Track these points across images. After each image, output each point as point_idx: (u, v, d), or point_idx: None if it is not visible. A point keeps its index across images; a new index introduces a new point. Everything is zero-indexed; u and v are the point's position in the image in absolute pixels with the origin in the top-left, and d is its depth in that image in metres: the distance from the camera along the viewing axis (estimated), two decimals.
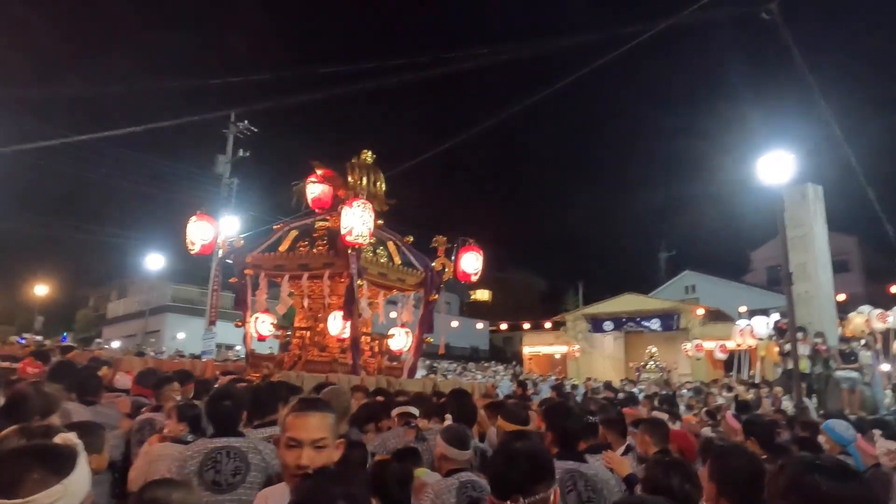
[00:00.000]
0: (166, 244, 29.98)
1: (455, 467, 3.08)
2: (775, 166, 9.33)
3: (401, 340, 9.30)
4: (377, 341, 9.26)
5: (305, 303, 8.66)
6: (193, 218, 8.65)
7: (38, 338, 18.03)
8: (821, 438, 5.01)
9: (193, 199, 29.75)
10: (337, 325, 8.15)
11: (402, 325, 9.41)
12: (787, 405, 11.29)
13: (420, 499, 2.98)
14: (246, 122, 24.47)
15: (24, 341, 15.81)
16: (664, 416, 5.22)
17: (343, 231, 7.62)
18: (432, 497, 2.94)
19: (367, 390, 6.19)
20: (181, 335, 28.25)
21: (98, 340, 26.07)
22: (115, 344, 20.53)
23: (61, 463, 1.40)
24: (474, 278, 9.24)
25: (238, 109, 22.70)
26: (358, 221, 7.59)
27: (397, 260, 9.36)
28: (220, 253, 9.06)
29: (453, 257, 9.12)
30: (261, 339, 8.96)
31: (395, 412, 4.65)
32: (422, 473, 3.39)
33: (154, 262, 27.96)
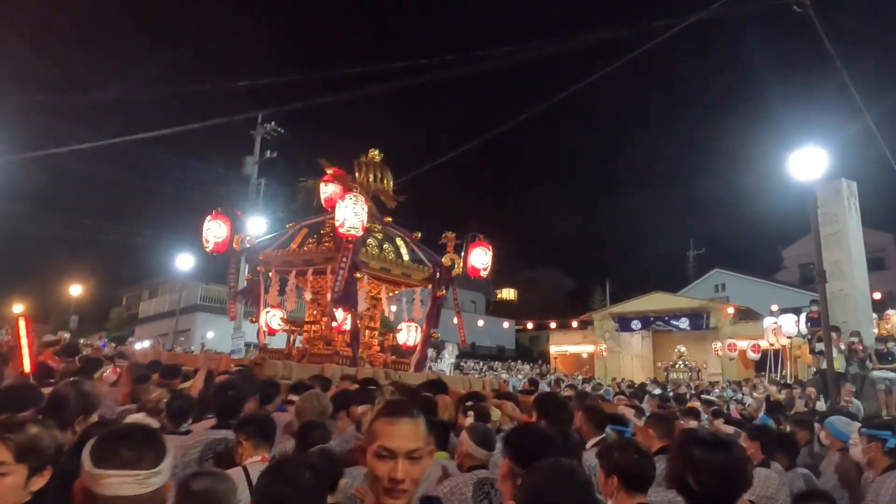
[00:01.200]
0: (196, 244, 30.37)
1: (475, 464, 3.16)
2: (807, 162, 9.12)
3: (409, 335, 9.47)
4: (385, 336, 9.50)
5: (310, 297, 9.02)
6: (209, 217, 8.94)
7: (66, 335, 18.43)
8: (821, 434, 5.01)
9: (222, 200, 30.17)
10: (338, 318, 8.36)
11: (410, 321, 9.56)
12: (821, 405, 11.05)
13: (437, 489, 3.05)
14: (273, 123, 24.72)
15: (104, 346, 16.25)
16: (630, 411, 5.22)
17: (337, 223, 7.83)
18: (449, 489, 3.02)
19: (355, 379, 6.30)
20: (210, 334, 28.65)
21: (130, 339, 26.56)
22: (146, 343, 20.85)
23: (162, 441, 1.68)
24: (483, 273, 9.19)
25: (265, 111, 22.92)
26: (350, 214, 7.79)
27: (406, 256, 9.51)
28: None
29: (463, 253, 9.14)
30: (271, 333, 9.30)
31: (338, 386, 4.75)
32: (443, 457, 3.52)
33: (184, 262, 28.39)
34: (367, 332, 9.14)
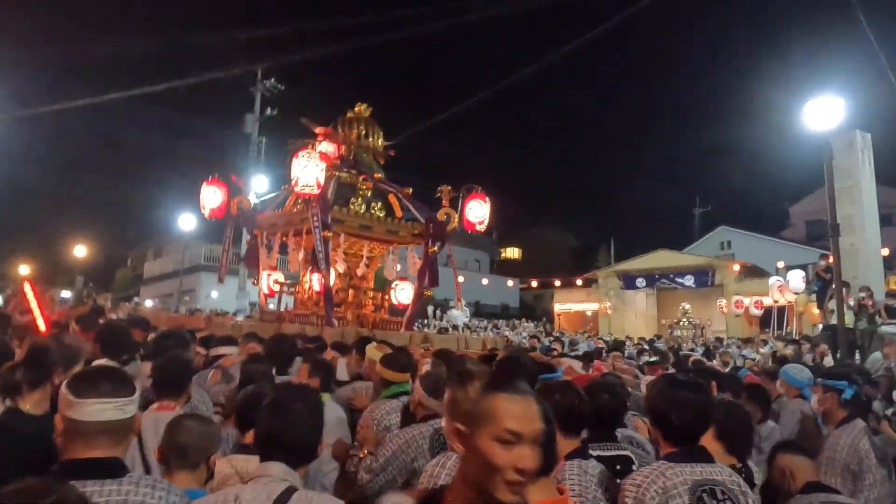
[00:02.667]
0: (198, 204, 30.29)
1: (429, 414, 3.12)
2: (823, 111, 8.84)
3: (403, 294, 9.29)
4: (375, 295, 9.32)
5: (301, 258, 8.85)
6: (205, 183, 8.93)
7: (66, 294, 18.49)
8: (777, 382, 4.97)
9: (224, 158, 29.95)
10: (316, 279, 8.23)
11: (405, 279, 9.41)
12: (829, 361, 10.98)
13: (392, 440, 3.04)
14: (273, 79, 24.31)
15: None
16: (577, 364, 5.20)
17: (292, 182, 7.65)
18: (405, 441, 3.00)
19: (308, 338, 6.14)
20: (215, 294, 28.73)
21: (136, 300, 26.68)
22: (148, 303, 20.93)
23: (130, 377, 1.94)
24: (480, 227, 8.89)
25: (264, 65, 22.51)
26: (303, 172, 7.58)
27: (399, 213, 9.31)
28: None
29: (459, 207, 8.89)
30: (270, 294, 9.29)
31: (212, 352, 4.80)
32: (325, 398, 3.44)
33: (186, 222, 28.31)
34: (351, 291, 8.97)
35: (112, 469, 1.78)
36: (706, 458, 2.29)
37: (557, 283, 35.68)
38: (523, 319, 31.23)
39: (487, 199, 8.89)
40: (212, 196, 8.84)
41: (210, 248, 32.36)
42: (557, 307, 33.66)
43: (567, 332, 24.96)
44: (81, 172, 44.29)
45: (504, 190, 9.40)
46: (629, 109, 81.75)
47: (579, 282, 33.76)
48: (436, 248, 8.89)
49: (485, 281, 40.86)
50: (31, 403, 2.60)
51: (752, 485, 2.67)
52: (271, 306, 9.79)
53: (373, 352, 4.55)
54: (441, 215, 8.88)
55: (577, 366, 5.14)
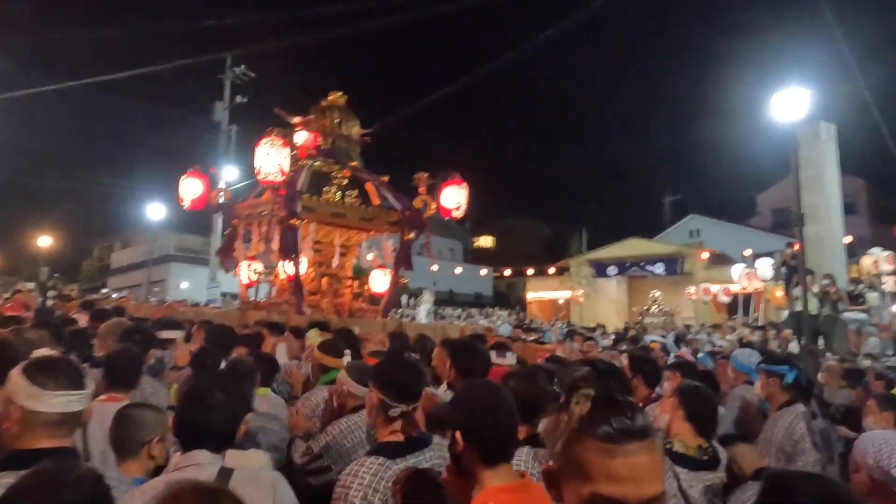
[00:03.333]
0: (168, 194, 29.79)
1: (360, 404, 3.02)
2: (790, 102, 8.99)
3: (381, 282, 9.24)
4: (350, 283, 9.27)
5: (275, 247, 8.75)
6: (184, 176, 8.88)
7: (30, 285, 18.06)
8: (728, 368, 5.08)
9: (192, 147, 29.45)
10: (287, 268, 8.17)
11: (382, 267, 9.35)
12: (794, 347, 11.27)
13: (327, 431, 3.00)
14: (243, 66, 23.89)
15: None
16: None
17: (256, 170, 7.59)
18: (339, 431, 2.95)
19: (272, 325, 6.05)
20: (185, 284, 28.36)
21: (103, 290, 26.18)
22: (114, 295, 20.55)
23: (81, 371, 1.99)
24: (456, 213, 8.78)
25: (233, 52, 22.12)
26: (266, 160, 7.51)
27: (376, 201, 9.25)
28: (222, 200, 9.29)
29: (436, 194, 8.83)
30: (250, 284, 9.24)
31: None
32: (263, 393, 3.61)
33: (155, 211, 27.81)
34: (325, 279, 8.92)
35: (67, 458, 1.80)
36: None
37: (530, 271, 35.87)
38: (497, 308, 31.39)
39: (464, 184, 8.78)
40: (192, 187, 8.82)
41: (180, 238, 31.89)
42: (530, 295, 33.89)
43: (540, 320, 25.18)
44: (46, 162, 43.10)
45: (478, 179, 9.38)
46: (600, 100, 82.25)
47: (552, 270, 33.99)
48: (412, 235, 8.83)
49: (458, 270, 40.94)
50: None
51: (717, 463, 2.82)
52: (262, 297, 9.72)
53: (314, 337, 4.48)
54: (418, 203, 8.83)
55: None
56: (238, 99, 24.18)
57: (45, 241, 35.77)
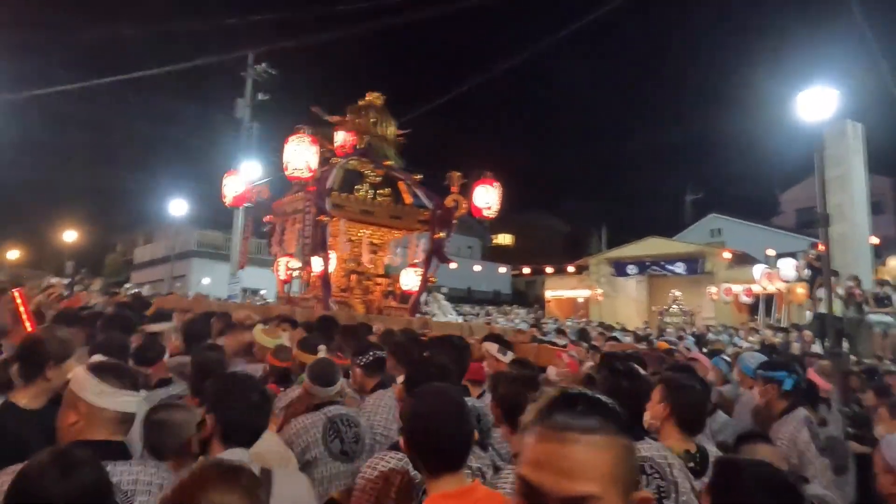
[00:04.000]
0: (190, 189, 30.18)
1: (319, 402, 3.11)
2: (816, 102, 8.85)
3: (411, 280, 9.32)
4: (376, 281, 9.36)
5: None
6: (227, 174, 9.38)
7: (65, 281, 18.34)
8: (734, 371, 5.04)
9: (215, 144, 29.73)
10: (316, 264, 8.30)
11: (413, 265, 9.41)
12: (817, 349, 11.11)
13: (284, 430, 3.02)
14: (265, 64, 24.04)
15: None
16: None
17: (284, 166, 7.72)
18: (296, 431, 2.96)
19: (293, 321, 6.18)
20: (206, 280, 28.66)
21: (127, 285, 26.52)
22: (137, 290, 20.84)
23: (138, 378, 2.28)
24: (487, 213, 8.78)
25: (255, 50, 22.27)
26: (294, 157, 7.60)
27: (408, 200, 9.32)
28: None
29: (468, 193, 8.86)
30: (286, 280, 9.41)
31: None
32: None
33: (178, 207, 28.13)
34: (354, 276, 9.01)
35: (123, 452, 2.03)
36: (639, 436, 2.39)
37: (549, 269, 35.74)
38: (515, 306, 31.33)
39: (496, 184, 8.79)
40: (234, 185, 9.19)
41: (201, 233, 32.22)
42: (549, 294, 33.78)
43: (560, 320, 25.09)
44: (70, 158, 43.85)
45: (497, 177, 9.35)
46: (622, 97, 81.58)
47: (571, 268, 33.84)
48: (441, 234, 8.85)
49: (477, 267, 40.92)
50: (28, 398, 2.57)
51: (705, 470, 2.72)
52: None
53: (260, 336, 4.43)
54: (449, 201, 8.84)
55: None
56: (260, 96, 24.34)
57: (70, 236, 36.41)
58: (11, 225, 39.43)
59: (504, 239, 53.73)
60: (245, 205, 9.53)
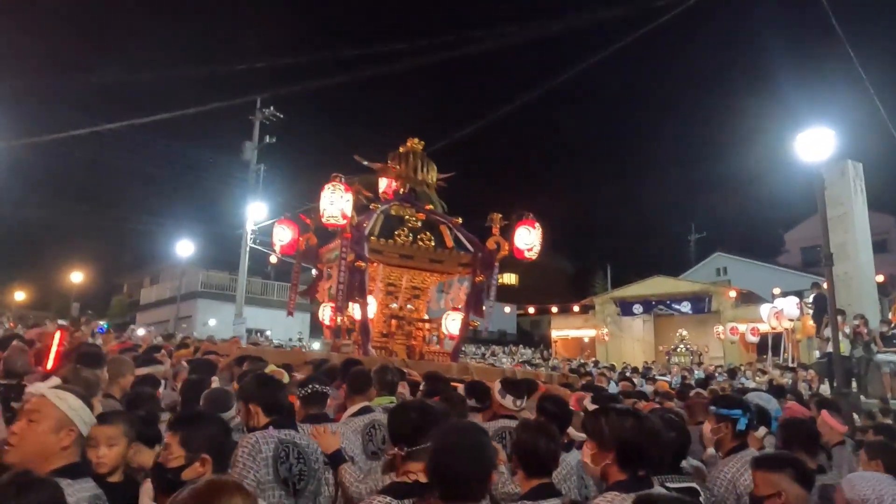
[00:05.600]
0: (196, 230, 30.44)
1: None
2: (815, 142, 8.99)
3: (455, 324, 9.20)
4: (417, 324, 9.26)
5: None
6: (277, 223, 9.70)
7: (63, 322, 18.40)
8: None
9: (221, 185, 30.08)
10: (355, 310, 8.30)
11: (456, 309, 9.31)
12: (825, 389, 10.99)
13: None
14: (272, 108, 24.54)
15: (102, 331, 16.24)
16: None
17: (320, 213, 7.84)
18: (248, 450, 2.86)
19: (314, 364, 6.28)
20: (212, 321, 28.63)
21: (132, 326, 26.54)
22: (141, 331, 20.82)
23: None
24: (529, 255, 8.76)
25: (263, 95, 22.74)
26: (328, 203, 7.71)
27: (450, 244, 9.26)
28: (250, 238, 9.70)
29: (509, 235, 8.83)
30: (331, 327, 9.27)
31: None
32: None
33: (184, 248, 28.31)
34: (394, 321, 8.99)
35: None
36: (649, 484, 2.39)
37: (554, 309, 35.65)
38: (521, 346, 31.17)
39: (537, 225, 8.78)
40: (283, 234, 9.35)
41: (206, 274, 32.34)
42: (555, 333, 33.60)
43: (571, 360, 24.89)
44: (78, 200, 44.40)
45: (501, 217, 9.37)
46: (624, 138, 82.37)
47: (576, 308, 33.74)
48: (481, 277, 8.75)
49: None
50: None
51: None
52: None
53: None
54: (491, 244, 8.79)
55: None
56: (267, 139, 24.75)
57: (76, 277, 36.60)
58: (18, 266, 39.75)
59: (509, 278, 53.69)
60: (299, 253, 9.64)
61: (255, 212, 24.32)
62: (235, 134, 25.95)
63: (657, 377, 14.38)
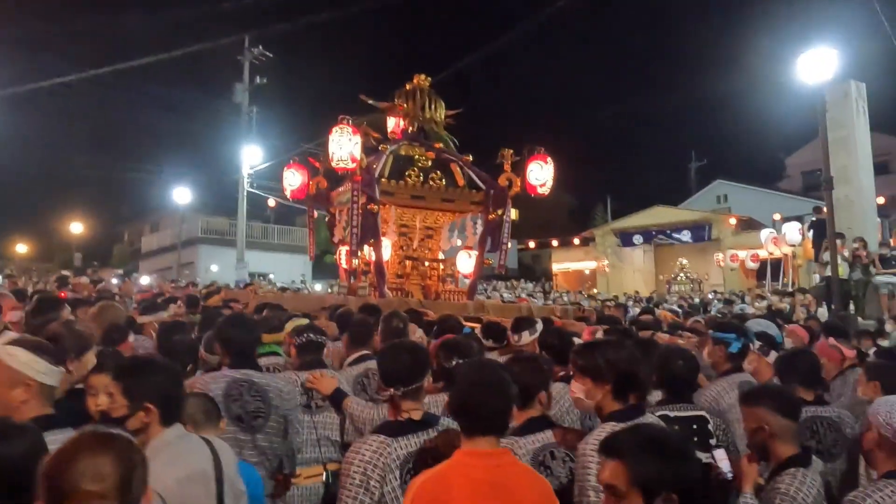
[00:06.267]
0: (194, 177, 30.24)
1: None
2: (817, 63, 8.77)
3: (466, 263, 9.24)
4: (431, 264, 9.30)
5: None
6: (287, 167, 9.41)
7: (66, 273, 18.54)
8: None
9: (215, 130, 29.68)
10: (369, 252, 8.35)
11: (468, 248, 9.30)
12: (822, 313, 11.11)
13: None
14: (260, 47, 23.94)
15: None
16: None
17: (329, 157, 7.78)
18: (202, 385, 3.05)
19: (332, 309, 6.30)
20: (214, 267, 28.78)
21: (135, 274, 26.72)
22: (146, 279, 20.97)
23: None
24: (542, 190, 8.63)
25: (251, 33, 22.15)
26: (337, 147, 7.64)
27: (461, 182, 9.15)
28: (247, 182, 9.56)
29: (521, 171, 8.71)
30: (347, 270, 9.26)
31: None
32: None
33: (181, 195, 28.19)
34: (408, 262, 8.99)
35: (58, 422, 2.26)
36: (642, 412, 2.51)
37: (555, 242, 35.72)
38: (522, 280, 31.37)
39: (549, 160, 8.62)
40: (292, 178, 9.21)
41: (207, 220, 32.30)
42: (555, 266, 33.82)
43: (571, 292, 25.15)
44: (73, 149, 43.87)
45: (494, 149, 9.28)
46: (622, 65, 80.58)
47: (577, 241, 33.81)
48: (494, 214, 8.72)
49: None
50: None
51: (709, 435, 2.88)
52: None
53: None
54: (502, 180, 8.68)
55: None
56: (258, 80, 24.26)
57: (76, 228, 36.62)
58: (18, 218, 39.69)
59: (497, 213, 53.58)
60: (310, 197, 9.52)
61: (251, 155, 24.08)
62: (226, 76, 25.39)
63: (663, 306, 14.45)
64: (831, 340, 4.65)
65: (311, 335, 3.80)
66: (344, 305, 6.47)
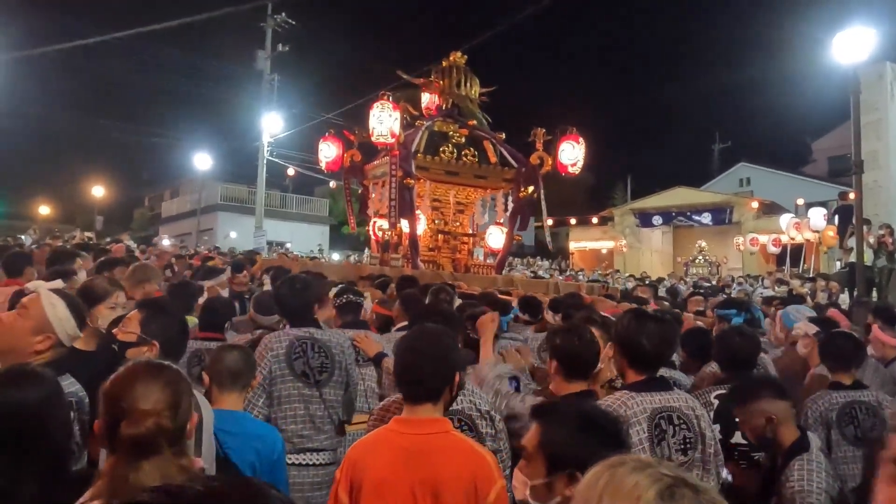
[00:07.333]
0: (214, 144, 30.32)
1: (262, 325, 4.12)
2: (853, 43, 8.52)
3: (497, 238, 9.47)
4: (460, 239, 9.52)
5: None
6: (322, 139, 9.57)
7: (89, 234, 18.82)
8: (777, 326, 4.75)
9: (237, 98, 29.68)
10: (404, 225, 8.58)
11: (499, 223, 9.54)
12: (844, 299, 10.96)
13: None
14: (283, 14, 23.76)
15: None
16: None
17: (370, 132, 7.96)
18: (264, 346, 3.22)
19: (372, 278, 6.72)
20: (233, 234, 28.98)
21: (154, 239, 27.02)
22: (166, 242, 21.15)
23: None
24: (573, 170, 8.83)
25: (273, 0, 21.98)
26: (377, 122, 7.80)
27: (493, 159, 9.35)
28: (267, 151, 9.67)
29: (553, 150, 8.86)
30: (378, 241, 9.57)
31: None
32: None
33: (202, 161, 28.30)
34: (440, 236, 9.25)
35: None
36: (665, 386, 2.45)
37: (573, 220, 35.47)
38: (539, 257, 31.27)
39: (581, 140, 8.76)
40: (328, 150, 9.39)
41: (226, 187, 32.46)
42: (573, 245, 33.62)
43: (586, 271, 25.03)
44: (96, 113, 44.18)
45: (519, 127, 9.37)
46: (648, 44, 79.15)
47: (595, 219, 33.56)
48: (525, 192, 8.87)
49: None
50: (81, 342, 2.69)
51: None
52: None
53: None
54: (534, 159, 8.83)
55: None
56: (280, 47, 24.13)
57: (98, 191, 36.97)
58: (42, 181, 40.15)
59: (528, 190, 53.35)
60: (344, 169, 9.66)
61: (271, 124, 24.05)
62: (248, 43, 25.29)
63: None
64: (876, 329, 4.43)
65: (351, 296, 4.05)
66: (382, 275, 6.76)
